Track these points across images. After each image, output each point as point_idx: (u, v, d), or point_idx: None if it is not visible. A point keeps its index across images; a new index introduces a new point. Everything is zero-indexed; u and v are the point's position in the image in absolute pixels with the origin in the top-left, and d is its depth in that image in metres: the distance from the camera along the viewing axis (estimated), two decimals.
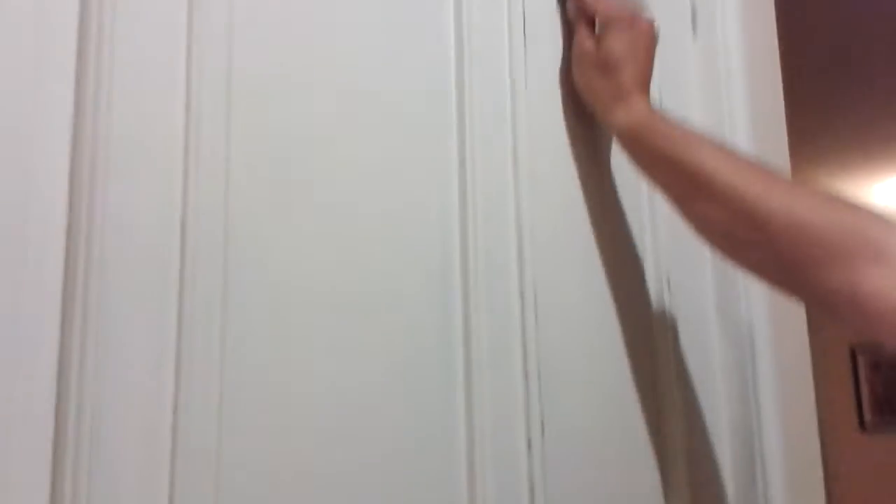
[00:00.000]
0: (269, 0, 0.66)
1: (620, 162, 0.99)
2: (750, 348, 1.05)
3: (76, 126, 0.50)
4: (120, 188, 0.50)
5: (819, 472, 1.01)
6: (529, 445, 0.77)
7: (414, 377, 0.71)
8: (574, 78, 0.90)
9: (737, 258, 0.84)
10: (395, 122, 0.74)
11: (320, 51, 0.69)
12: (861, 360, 5.94)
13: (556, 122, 0.90)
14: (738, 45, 1.10)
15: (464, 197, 0.78)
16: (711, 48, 1.10)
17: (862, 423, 5.89)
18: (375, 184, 0.71)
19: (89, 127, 0.50)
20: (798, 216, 0.73)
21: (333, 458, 0.63)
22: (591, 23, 0.89)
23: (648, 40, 0.88)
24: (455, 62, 0.81)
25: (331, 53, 0.70)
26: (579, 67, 0.89)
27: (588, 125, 0.94)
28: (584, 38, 0.88)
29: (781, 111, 1.26)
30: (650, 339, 0.97)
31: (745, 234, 0.77)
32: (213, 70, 0.58)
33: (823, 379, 5.46)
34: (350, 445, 0.65)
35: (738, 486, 1.00)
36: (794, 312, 1.17)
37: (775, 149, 1.23)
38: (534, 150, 0.85)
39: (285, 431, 0.60)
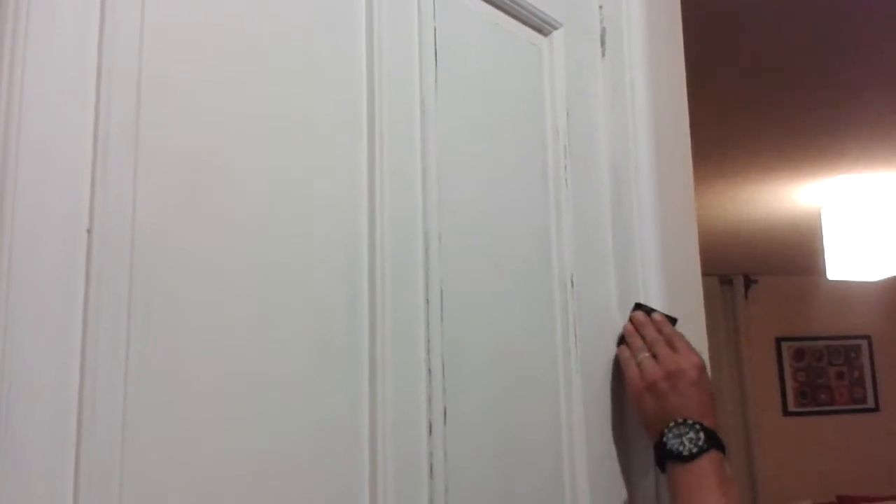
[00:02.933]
0: (179, 3, 0.69)
1: (527, 163, 1.04)
2: None
3: None
4: (27, 194, 0.53)
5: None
6: (430, 431, 0.82)
7: (318, 368, 0.76)
8: (627, 391, 1.05)
9: None
10: (305, 127, 0.78)
11: (231, 54, 0.72)
12: (785, 351, 6.17)
13: (465, 126, 0.95)
14: (642, 61, 1.17)
15: (372, 198, 0.83)
16: (619, 65, 1.17)
17: (785, 408, 6.12)
18: (284, 185, 0.75)
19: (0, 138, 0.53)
20: None
21: (239, 444, 0.68)
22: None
23: (694, 376, 1.00)
24: (366, 66, 0.85)
25: (242, 58, 0.73)
26: (632, 389, 1.03)
27: (495, 131, 0.99)
28: (634, 374, 1.03)
29: (685, 123, 1.34)
30: (553, 336, 1.03)
31: None
32: (122, 73, 0.62)
33: (751, 368, 5.63)
34: (254, 434, 0.69)
35: (636, 470, 1.06)
36: (693, 305, 1.24)
37: (679, 159, 1.31)
38: (443, 152, 0.90)
39: (191, 419, 0.64)
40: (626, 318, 1.12)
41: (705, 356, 1.16)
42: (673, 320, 1.09)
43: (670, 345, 1.03)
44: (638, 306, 1.10)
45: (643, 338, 1.06)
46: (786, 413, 6.12)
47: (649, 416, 1.00)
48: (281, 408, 0.72)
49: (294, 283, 0.75)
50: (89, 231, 0.55)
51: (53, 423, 0.53)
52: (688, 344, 1.04)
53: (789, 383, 6.17)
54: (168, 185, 0.63)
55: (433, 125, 0.90)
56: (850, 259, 3.85)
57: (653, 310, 1.10)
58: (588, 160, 1.14)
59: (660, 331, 1.06)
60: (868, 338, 6.19)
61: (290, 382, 0.74)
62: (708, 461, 0.94)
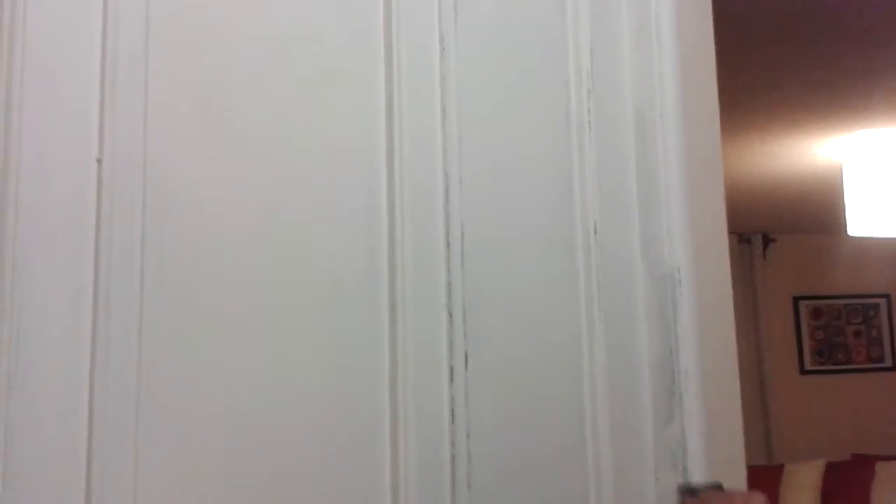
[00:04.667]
0: None
1: (550, 105, 1.01)
2: (672, 292, 1.09)
3: None
4: (35, 126, 0.51)
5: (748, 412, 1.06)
6: (452, 376, 0.80)
7: (337, 312, 0.74)
8: None
9: None
10: (319, 63, 0.75)
11: None
12: (803, 309, 6.13)
13: (486, 65, 0.92)
14: (668, 1, 1.13)
15: (390, 138, 0.80)
16: (644, 4, 1.13)
17: (802, 367, 6.10)
18: (299, 121, 0.73)
19: (4, 65, 0.51)
20: None
21: (255, 385, 0.66)
22: None
23: None
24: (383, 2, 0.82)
25: None
26: None
27: (517, 71, 0.96)
28: None
29: (712, 68, 1.29)
30: (575, 280, 1.01)
31: None
32: (130, 10, 0.59)
33: (768, 327, 5.60)
34: (271, 373, 0.67)
35: (655, 423, 1.04)
36: (718, 258, 1.21)
37: (706, 106, 1.27)
38: (463, 92, 0.87)
39: (207, 354, 0.62)
40: (650, 266, 1.09)
41: (729, 313, 1.14)
42: (717, 486, 1.00)
43: None
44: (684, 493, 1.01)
45: None
46: (802, 372, 6.09)
47: None
48: (299, 351, 0.71)
49: (310, 220, 0.73)
50: (99, 161, 0.53)
51: (65, 359, 0.51)
52: None
53: (806, 342, 6.14)
54: (179, 118, 0.61)
55: (453, 63, 0.87)
56: (871, 215, 3.79)
57: (694, 488, 1.00)
58: (613, 104, 1.10)
59: None
60: (887, 296, 6.13)
61: (307, 326, 0.72)
62: None
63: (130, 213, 0.56)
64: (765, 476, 5.09)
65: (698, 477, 1.03)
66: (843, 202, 3.94)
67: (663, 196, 1.11)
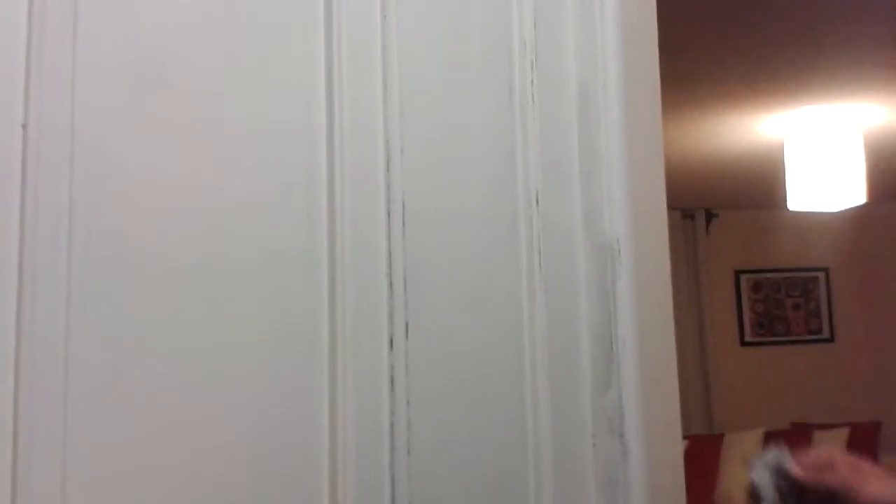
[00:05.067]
0: None
1: (494, 76, 1.01)
2: (611, 263, 1.10)
3: None
4: None
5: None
6: (392, 344, 0.81)
7: (275, 279, 0.74)
8: None
9: None
10: (258, 28, 0.74)
11: None
12: (744, 283, 6.26)
13: (429, 34, 0.92)
14: None
15: (331, 104, 0.80)
16: None
17: (743, 339, 6.24)
18: (237, 88, 0.72)
19: None
20: None
21: (189, 337, 0.66)
22: None
23: None
24: None
25: None
26: None
27: (464, 42, 0.96)
28: None
29: (654, 43, 1.30)
30: (517, 250, 1.02)
31: None
32: None
33: (711, 300, 5.69)
34: (208, 343, 0.67)
35: (594, 390, 1.06)
36: (657, 231, 1.23)
37: (648, 80, 1.28)
38: (405, 61, 0.87)
39: (140, 309, 0.62)
40: (591, 237, 1.10)
41: (667, 284, 1.16)
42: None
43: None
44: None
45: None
46: (743, 343, 6.23)
47: None
48: (236, 318, 0.70)
49: (247, 190, 0.73)
50: (24, 126, 0.52)
51: None
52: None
53: (747, 314, 6.28)
54: (111, 81, 0.60)
55: (395, 32, 0.86)
56: (811, 190, 3.88)
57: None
58: (556, 76, 1.11)
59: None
60: (826, 270, 6.29)
61: (244, 294, 0.72)
62: None
63: (57, 179, 0.55)
64: (706, 444, 5.22)
65: (634, 443, 1.05)
66: (784, 177, 4.03)
67: (604, 169, 1.13)
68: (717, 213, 6.22)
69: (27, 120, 0.52)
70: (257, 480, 0.72)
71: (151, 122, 0.64)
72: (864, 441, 5.50)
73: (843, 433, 5.52)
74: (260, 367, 0.73)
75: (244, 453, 0.71)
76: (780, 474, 0.88)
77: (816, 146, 3.91)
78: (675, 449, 1.14)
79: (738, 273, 6.28)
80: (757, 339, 6.24)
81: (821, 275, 6.32)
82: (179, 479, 0.67)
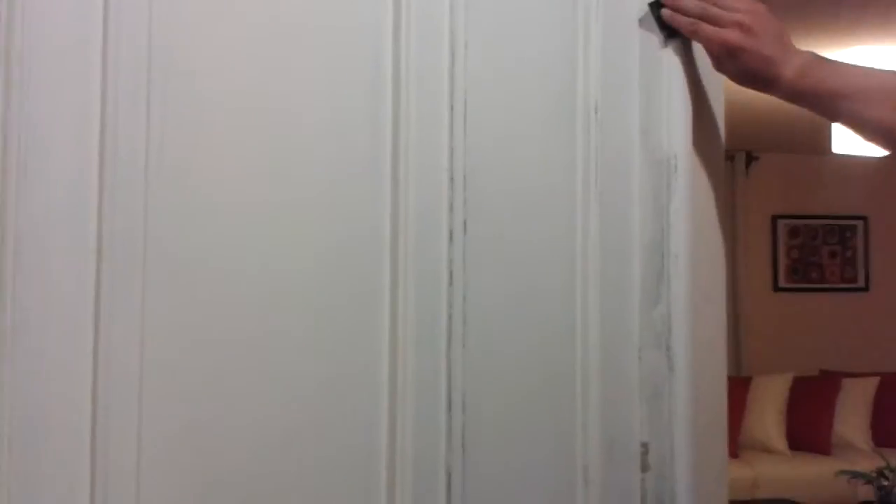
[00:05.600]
0: None
1: None
2: (667, 178, 1.10)
3: None
4: None
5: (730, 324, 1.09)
6: (451, 238, 0.81)
7: (340, 176, 0.75)
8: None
9: None
10: None
11: None
12: (781, 228, 6.20)
13: None
14: None
15: (398, 12, 0.80)
16: None
17: (776, 284, 6.21)
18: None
19: None
20: None
21: (258, 245, 0.67)
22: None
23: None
24: None
25: None
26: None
27: None
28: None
29: None
30: (573, 158, 1.02)
31: None
32: None
33: (746, 244, 5.68)
34: (275, 241, 0.68)
35: (643, 303, 1.07)
36: (713, 150, 1.22)
37: None
38: None
39: (211, 204, 0.63)
40: (648, 152, 1.10)
41: (719, 203, 1.16)
42: None
43: None
44: None
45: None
46: (776, 289, 6.20)
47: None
48: (302, 215, 0.72)
49: (313, 90, 0.73)
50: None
51: (72, 202, 0.52)
52: None
53: (782, 260, 6.23)
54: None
55: None
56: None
57: None
58: None
59: None
60: (865, 218, 6.21)
61: (309, 193, 0.73)
62: None
63: (136, 66, 0.56)
64: (734, 386, 5.23)
65: (680, 357, 1.06)
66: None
67: (665, 83, 1.11)
68: (758, 155, 6.13)
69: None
70: (319, 366, 0.73)
71: (221, 27, 0.65)
72: (894, 391, 5.49)
73: (873, 382, 5.51)
74: (324, 262, 0.74)
75: (307, 343, 0.73)
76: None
77: None
78: (720, 365, 1.15)
79: (775, 218, 6.22)
80: (791, 286, 6.21)
81: (859, 223, 6.24)
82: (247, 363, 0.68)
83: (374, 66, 0.79)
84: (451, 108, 0.83)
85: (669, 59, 1.12)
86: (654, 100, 1.11)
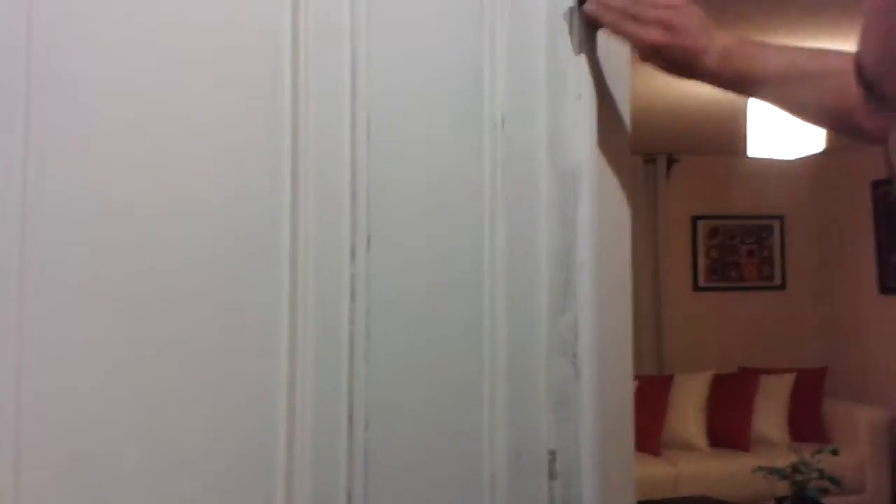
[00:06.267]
0: None
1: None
2: (573, 186, 1.11)
3: None
4: None
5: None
6: (353, 254, 0.81)
7: (236, 180, 0.73)
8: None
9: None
10: None
11: None
12: (701, 229, 6.35)
13: None
14: None
15: (296, 13, 0.79)
16: None
17: (696, 284, 6.35)
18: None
19: None
20: None
21: (151, 247, 0.66)
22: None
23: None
24: None
25: None
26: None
27: None
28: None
29: None
30: (480, 170, 1.02)
31: None
32: None
33: (667, 244, 5.78)
34: (166, 243, 0.67)
35: (550, 311, 1.08)
36: (620, 158, 1.24)
37: None
38: None
39: (96, 234, 0.61)
40: (554, 161, 1.11)
41: (626, 211, 1.18)
42: None
43: None
44: None
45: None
46: (696, 288, 6.35)
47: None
48: (194, 221, 0.70)
49: (207, 98, 0.72)
50: None
51: None
52: None
53: (702, 260, 6.38)
54: None
55: None
56: (771, 137, 3.92)
57: None
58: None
59: None
60: (781, 218, 6.40)
61: (203, 196, 0.71)
62: None
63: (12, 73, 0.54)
64: (656, 385, 5.34)
65: (587, 364, 1.08)
66: (745, 124, 4.06)
67: (571, 92, 1.13)
68: (679, 158, 6.27)
69: None
70: (212, 377, 0.72)
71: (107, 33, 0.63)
72: (810, 386, 5.68)
73: (790, 378, 5.68)
74: (219, 272, 0.73)
75: (203, 354, 0.72)
76: None
77: None
78: (626, 371, 1.17)
79: (695, 219, 6.36)
80: (710, 285, 6.36)
81: (776, 223, 6.43)
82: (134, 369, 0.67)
83: (272, 74, 0.78)
84: (353, 124, 0.83)
85: (576, 68, 1.13)
86: (561, 109, 1.12)
